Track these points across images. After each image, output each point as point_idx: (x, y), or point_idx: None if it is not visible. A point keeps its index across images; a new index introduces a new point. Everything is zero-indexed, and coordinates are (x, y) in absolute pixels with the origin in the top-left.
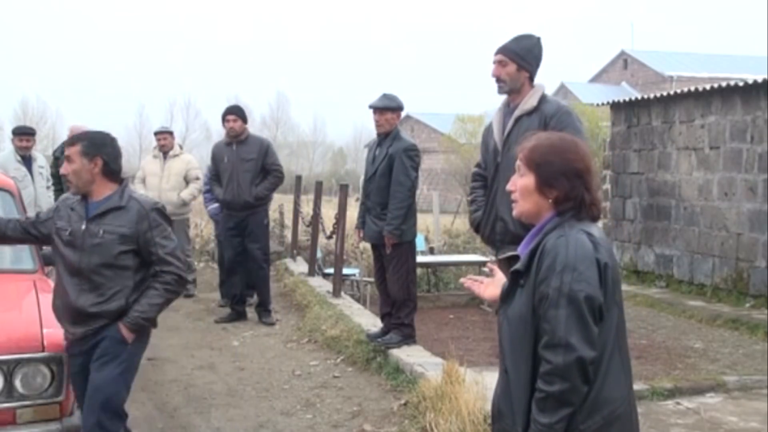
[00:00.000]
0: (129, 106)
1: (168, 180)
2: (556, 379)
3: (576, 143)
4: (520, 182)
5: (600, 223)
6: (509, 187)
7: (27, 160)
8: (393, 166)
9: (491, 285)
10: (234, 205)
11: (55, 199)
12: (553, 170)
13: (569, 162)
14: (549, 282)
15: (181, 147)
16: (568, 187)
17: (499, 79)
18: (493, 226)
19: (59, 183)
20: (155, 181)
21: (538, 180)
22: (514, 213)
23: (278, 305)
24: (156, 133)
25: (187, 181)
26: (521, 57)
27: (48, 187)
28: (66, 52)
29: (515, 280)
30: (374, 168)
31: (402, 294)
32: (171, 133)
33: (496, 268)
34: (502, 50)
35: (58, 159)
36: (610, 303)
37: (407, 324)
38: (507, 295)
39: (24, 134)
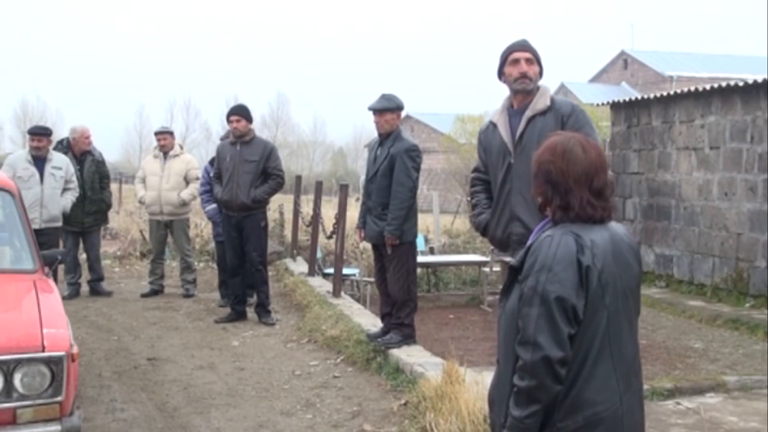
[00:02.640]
0: (129, 106)
1: (168, 180)
2: (526, 375)
3: (556, 145)
4: None
5: None
6: None
7: (39, 161)
8: (394, 166)
9: None
10: (231, 205)
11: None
12: (534, 172)
13: (542, 164)
14: (528, 280)
15: (181, 147)
16: (538, 187)
17: (527, 76)
18: (506, 227)
19: None
20: (155, 180)
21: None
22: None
23: (278, 305)
24: (156, 133)
25: (187, 181)
26: (540, 60)
27: (67, 189)
28: (66, 52)
29: (513, 276)
30: (375, 168)
31: (402, 294)
32: (171, 133)
33: None
34: (530, 49)
35: None
36: (597, 306)
37: (407, 324)
38: (505, 290)
39: (35, 134)
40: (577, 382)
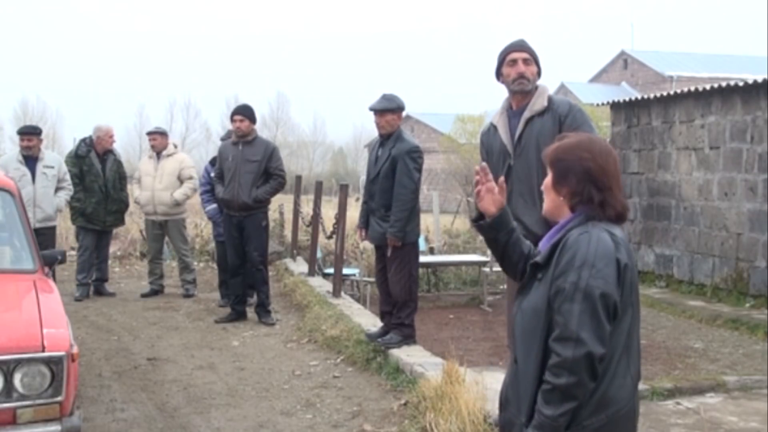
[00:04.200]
0: (129, 106)
1: (161, 180)
2: (564, 372)
3: (593, 143)
4: (545, 180)
5: None
6: (542, 186)
7: (31, 160)
8: (396, 167)
9: (490, 197)
10: (232, 204)
11: (76, 198)
12: (563, 167)
13: (579, 160)
14: (566, 276)
15: (175, 146)
16: (574, 184)
17: (524, 77)
18: None
19: (81, 182)
20: (149, 181)
21: (553, 177)
22: (542, 211)
23: (278, 305)
24: (148, 134)
25: (181, 180)
26: (538, 60)
27: (61, 188)
28: (66, 52)
29: (533, 273)
30: (377, 169)
31: (404, 294)
32: (162, 133)
33: (502, 184)
34: (527, 49)
35: (82, 158)
36: (626, 304)
37: (407, 324)
38: (523, 287)
39: (24, 134)
40: (604, 379)
